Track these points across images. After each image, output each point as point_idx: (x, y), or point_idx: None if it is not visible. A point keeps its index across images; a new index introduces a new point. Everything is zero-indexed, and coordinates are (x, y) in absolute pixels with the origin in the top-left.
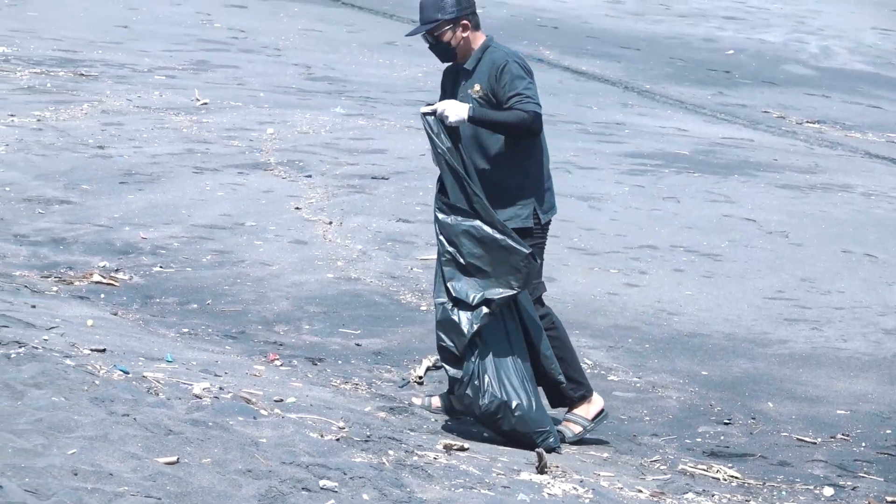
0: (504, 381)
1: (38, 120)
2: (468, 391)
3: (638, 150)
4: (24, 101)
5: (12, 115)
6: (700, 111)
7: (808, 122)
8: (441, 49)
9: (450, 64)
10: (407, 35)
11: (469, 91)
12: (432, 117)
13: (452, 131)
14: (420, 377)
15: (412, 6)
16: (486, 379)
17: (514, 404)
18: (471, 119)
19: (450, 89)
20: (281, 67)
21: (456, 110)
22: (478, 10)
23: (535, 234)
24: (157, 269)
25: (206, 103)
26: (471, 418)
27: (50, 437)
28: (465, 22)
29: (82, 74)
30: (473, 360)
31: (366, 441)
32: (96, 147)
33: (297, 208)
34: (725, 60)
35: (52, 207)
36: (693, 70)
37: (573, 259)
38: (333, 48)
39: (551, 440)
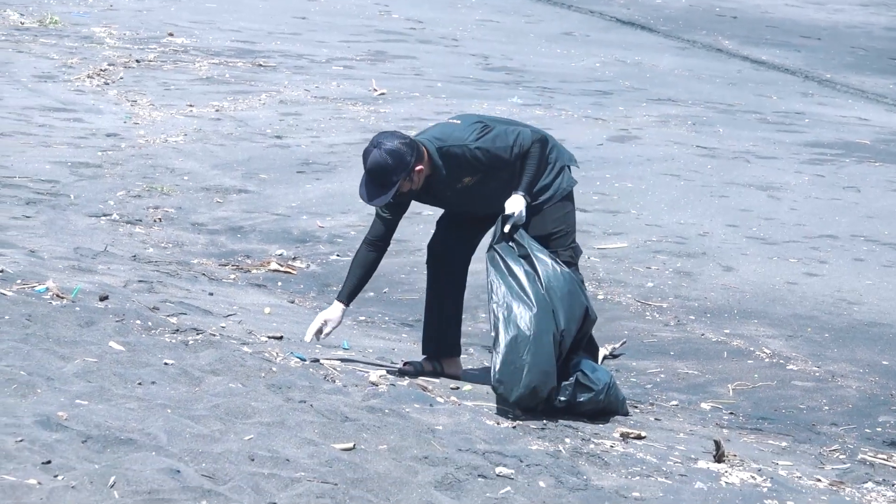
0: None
1: (217, 110)
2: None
3: (818, 139)
4: (202, 92)
5: (191, 106)
6: (882, 100)
7: None
8: (405, 196)
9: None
10: (369, 202)
11: (459, 187)
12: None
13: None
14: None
15: None
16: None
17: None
18: (529, 200)
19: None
20: (458, 58)
21: (520, 207)
22: (658, 1)
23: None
24: (334, 257)
25: (383, 93)
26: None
27: (227, 422)
28: (419, 168)
29: (260, 65)
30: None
31: (542, 429)
32: (274, 137)
33: None
34: None
35: (230, 196)
36: (874, 59)
37: (752, 248)
38: (511, 39)
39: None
